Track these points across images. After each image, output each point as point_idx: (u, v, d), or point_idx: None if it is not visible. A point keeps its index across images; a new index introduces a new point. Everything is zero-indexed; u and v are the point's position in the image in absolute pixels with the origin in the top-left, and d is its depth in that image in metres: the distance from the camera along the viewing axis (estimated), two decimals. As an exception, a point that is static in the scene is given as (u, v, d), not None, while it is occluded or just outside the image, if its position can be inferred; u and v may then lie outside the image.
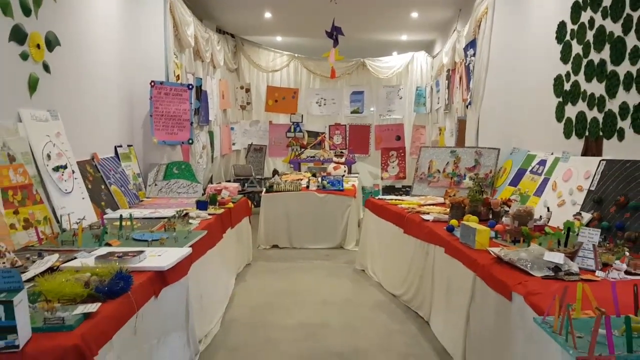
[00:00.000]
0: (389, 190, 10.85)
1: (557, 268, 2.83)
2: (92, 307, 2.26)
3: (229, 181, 9.67)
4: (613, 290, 2.22)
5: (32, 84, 4.03)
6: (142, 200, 5.73)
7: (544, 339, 2.18)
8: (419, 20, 9.71)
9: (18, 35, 3.79)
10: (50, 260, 2.95)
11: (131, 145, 6.11)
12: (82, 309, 2.25)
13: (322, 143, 10.65)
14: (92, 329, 2.13)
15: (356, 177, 9.06)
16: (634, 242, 3.28)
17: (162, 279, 3.01)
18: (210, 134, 8.97)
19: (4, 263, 2.94)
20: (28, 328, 1.99)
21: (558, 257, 2.88)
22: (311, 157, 9.99)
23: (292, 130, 10.60)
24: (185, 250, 3.33)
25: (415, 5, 8.83)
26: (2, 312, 1.88)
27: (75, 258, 3.05)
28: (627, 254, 3.02)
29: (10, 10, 3.69)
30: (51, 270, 2.80)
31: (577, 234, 3.17)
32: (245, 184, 10.10)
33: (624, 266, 2.85)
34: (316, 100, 12.01)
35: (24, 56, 3.90)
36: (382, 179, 11.68)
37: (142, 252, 3.10)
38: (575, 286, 2.23)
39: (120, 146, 5.82)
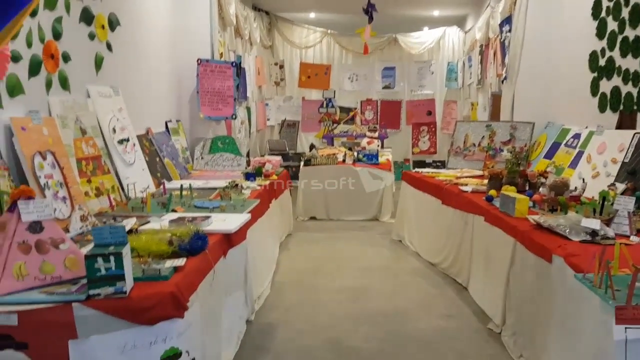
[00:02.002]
0: (419, 164, 11.03)
1: (594, 233, 3.05)
2: (180, 262, 2.57)
3: (263, 155, 9.96)
4: (647, 249, 2.45)
5: (98, 62, 4.34)
6: (190, 173, 6.05)
7: (583, 295, 2.42)
8: (452, -5, 9.79)
9: (87, 16, 4.08)
10: (130, 223, 3.27)
11: (179, 121, 6.42)
12: (171, 263, 2.55)
13: (354, 118, 10.86)
14: (182, 279, 2.43)
15: (389, 151, 9.28)
16: (666, 211, 3.48)
17: (228, 241, 3.32)
18: (248, 109, 9.25)
19: (87, 226, 3.28)
20: (131, 277, 2.29)
21: (595, 223, 3.11)
22: (344, 132, 10.21)
23: (325, 105, 10.78)
24: (246, 216, 3.64)
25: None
26: (112, 262, 2.18)
27: (149, 222, 3.37)
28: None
29: (80, -7, 3.98)
30: (130, 232, 3.12)
31: (612, 203, 3.38)
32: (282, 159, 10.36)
33: (657, 231, 3.07)
34: (348, 76, 12.19)
35: (91, 36, 4.19)
36: (413, 153, 11.87)
37: (209, 217, 3.41)
38: (613, 249, 2.47)
39: (170, 121, 6.13)
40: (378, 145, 8.94)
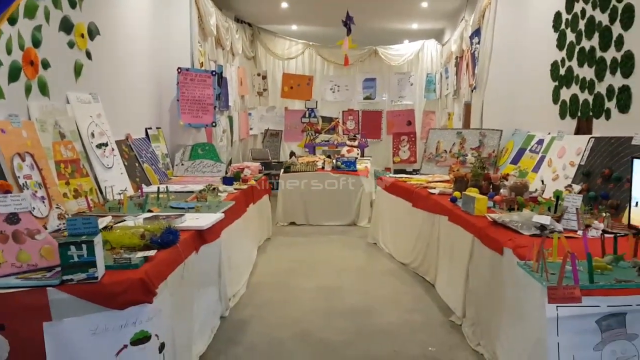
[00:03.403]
0: (400, 173, 11.22)
1: (543, 227, 3.26)
2: (151, 253, 2.74)
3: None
4: (584, 238, 2.65)
5: (77, 70, 4.50)
6: (170, 179, 6.19)
7: (528, 283, 2.61)
8: (428, 9, 10.08)
9: (66, 25, 4.25)
10: (105, 220, 3.42)
11: (160, 128, 6.58)
12: (142, 254, 2.72)
13: (336, 128, 11.06)
14: (152, 268, 2.59)
15: (369, 159, 9.49)
16: (615, 209, 3.71)
17: (201, 237, 3.49)
18: (230, 118, 9.44)
19: (64, 224, 3.42)
20: (103, 264, 2.44)
21: (545, 219, 3.31)
22: (325, 141, 10.41)
23: (307, 115, 10.97)
24: (219, 215, 3.80)
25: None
26: (84, 250, 2.33)
27: (124, 221, 3.52)
28: (604, 215, 3.44)
29: (60, 4, 4.15)
30: (105, 228, 3.27)
31: (565, 201, 3.59)
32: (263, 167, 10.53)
33: (602, 225, 3.28)
34: (330, 86, 12.46)
35: (71, 44, 4.36)
36: (393, 162, 12.08)
37: (182, 215, 3.58)
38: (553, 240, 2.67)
39: (150, 128, 6.28)
40: (357, 154, 9.16)
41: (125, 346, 2.40)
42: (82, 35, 4.54)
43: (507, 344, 2.99)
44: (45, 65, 3.92)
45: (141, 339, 2.45)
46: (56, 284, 2.31)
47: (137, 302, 2.41)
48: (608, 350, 2.25)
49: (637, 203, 3.11)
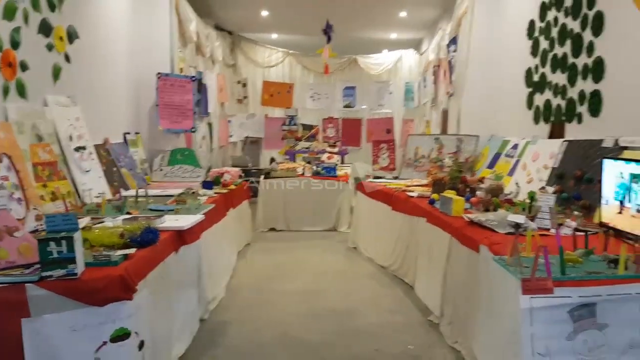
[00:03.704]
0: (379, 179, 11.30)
1: (517, 226, 3.33)
2: (130, 251, 2.74)
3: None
4: (557, 235, 2.72)
5: (56, 73, 4.48)
6: (148, 184, 6.16)
7: (503, 277, 2.66)
8: (407, 19, 10.22)
9: (45, 28, 4.24)
10: (84, 222, 3.41)
11: (138, 133, 6.55)
12: (121, 252, 2.72)
13: (316, 136, 11.12)
14: (131, 266, 2.60)
15: (349, 166, 9.56)
16: (587, 209, 3.80)
17: (180, 238, 3.50)
18: (210, 125, 9.44)
19: (41, 225, 3.40)
20: (82, 261, 2.45)
21: (519, 218, 3.39)
22: (306, 148, 10.46)
23: (287, 123, 11.03)
24: (199, 216, 3.81)
25: (404, 5, 9.34)
26: (64, 246, 2.34)
27: (103, 222, 3.51)
28: (575, 213, 3.53)
29: (39, 6, 4.14)
30: (84, 229, 3.25)
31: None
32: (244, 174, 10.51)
33: (574, 224, 3.36)
34: (310, 94, 12.51)
35: (49, 47, 4.34)
36: (373, 170, 12.15)
37: (162, 216, 3.58)
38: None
39: (129, 133, 6.26)
40: (338, 160, 9.23)
41: (105, 343, 2.41)
42: (61, 38, 4.53)
43: (483, 339, 3.04)
44: (24, 67, 3.90)
45: (121, 335, 2.45)
46: (35, 280, 2.31)
47: (117, 299, 2.42)
48: (580, 340, 2.31)
49: (607, 201, 3.19)
